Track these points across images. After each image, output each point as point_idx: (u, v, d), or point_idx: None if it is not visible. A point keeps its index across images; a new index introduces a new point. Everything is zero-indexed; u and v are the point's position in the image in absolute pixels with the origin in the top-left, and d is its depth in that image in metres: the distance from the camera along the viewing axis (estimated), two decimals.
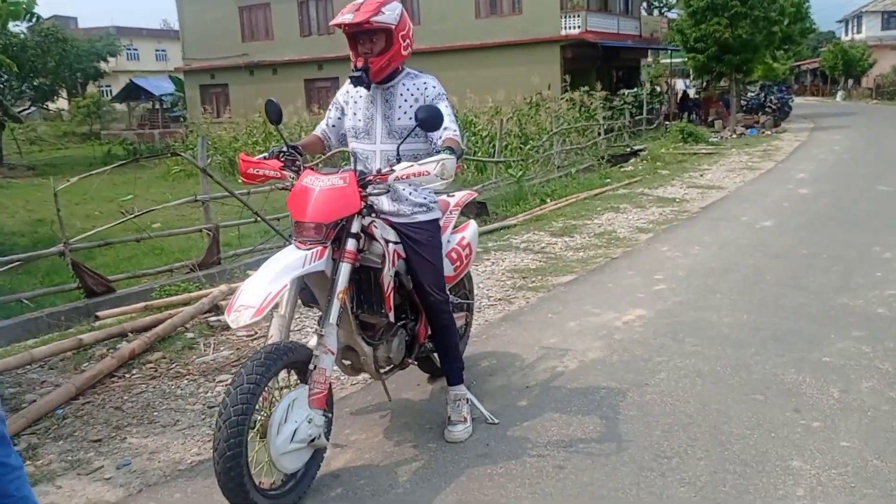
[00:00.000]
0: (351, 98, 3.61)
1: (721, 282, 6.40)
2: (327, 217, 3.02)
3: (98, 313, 5.90)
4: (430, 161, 3.03)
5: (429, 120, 3.16)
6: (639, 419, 3.74)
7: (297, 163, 3.35)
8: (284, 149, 3.38)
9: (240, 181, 3.56)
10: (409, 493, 3.12)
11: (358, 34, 3.38)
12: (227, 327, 5.34)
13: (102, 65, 43.64)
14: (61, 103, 45.59)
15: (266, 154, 3.43)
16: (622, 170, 16.22)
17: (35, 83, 36.29)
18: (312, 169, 3.25)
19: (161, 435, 3.81)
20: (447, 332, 3.63)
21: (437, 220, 3.66)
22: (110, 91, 50.95)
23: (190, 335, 5.30)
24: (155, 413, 4.07)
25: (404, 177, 3.06)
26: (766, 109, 29.44)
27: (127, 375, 4.61)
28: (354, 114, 3.57)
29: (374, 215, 3.36)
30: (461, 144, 3.38)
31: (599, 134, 19.57)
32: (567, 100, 21.52)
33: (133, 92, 43.70)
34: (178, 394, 4.33)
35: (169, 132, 34.31)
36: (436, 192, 3.71)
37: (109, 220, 8.16)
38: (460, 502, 3.05)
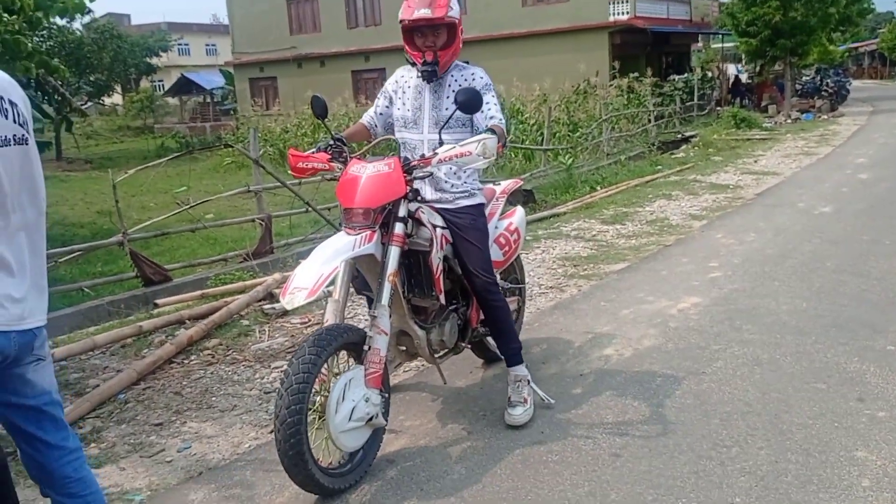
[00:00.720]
0: (400, 88, 3.67)
1: (778, 269, 6.26)
2: (374, 202, 3.10)
3: (157, 301, 6.04)
4: (472, 141, 3.11)
5: (468, 102, 3.21)
6: (696, 407, 3.68)
7: (344, 154, 3.43)
8: (331, 141, 3.46)
9: (289, 171, 3.61)
10: (464, 479, 3.13)
11: (420, 28, 3.41)
12: (281, 315, 5.43)
13: (155, 60, 44.58)
14: (116, 98, 46.74)
15: (314, 148, 3.52)
16: (673, 156, 15.97)
17: (91, 79, 37.23)
18: (359, 158, 3.32)
19: (219, 419, 3.88)
20: (498, 313, 3.65)
21: (480, 205, 3.69)
22: (162, 86, 51.94)
23: (245, 322, 5.38)
24: (213, 398, 4.15)
25: (447, 158, 3.15)
26: (823, 93, 28.67)
27: (185, 361, 4.71)
28: (403, 104, 3.63)
29: (420, 199, 3.41)
30: (505, 133, 3.44)
31: (649, 121, 19.29)
32: (616, 86, 21.24)
33: (184, 86, 44.49)
34: (235, 379, 4.40)
35: (220, 125, 34.84)
36: (482, 181, 3.82)
37: (164, 211, 8.34)
38: (515, 489, 3.05)
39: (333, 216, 8.55)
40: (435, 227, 3.41)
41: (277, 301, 5.68)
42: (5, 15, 4.54)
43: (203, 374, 4.49)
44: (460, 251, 3.54)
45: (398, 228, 3.19)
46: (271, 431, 3.64)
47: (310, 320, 5.33)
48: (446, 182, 3.57)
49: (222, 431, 3.74)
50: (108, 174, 7.77)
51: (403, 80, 3.66)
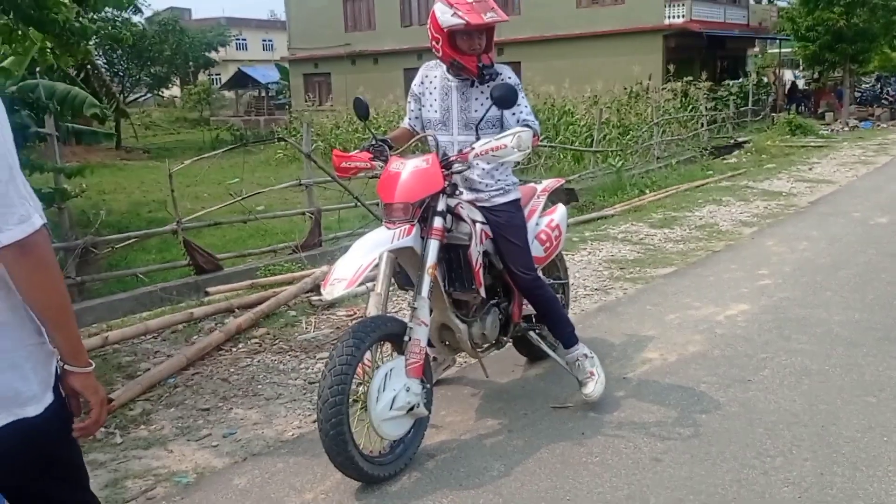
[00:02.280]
0: (426, 89, 3.68)
1: (831, 279, 6.13)
2: (412, 196, 3.17)
3: (208, 289, 6.17)
4: (507, 134, 3.19)
5: (504, 98, 3.24)
6: (741, 415, 3.63)
7: (385, 153, 3.47)
8: (374, 142, 3.51)
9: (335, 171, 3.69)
10: (503, 476, 3.14)
11: (468, 32, 3.40)
12: (327, 307, 5.51)
13: (213, 54, 45.36)
14: (174, 90, 47.73)
15: (358, 149, 3.59)
16: (725, 162, 15.74)
17: (152, 71, 38.09)
18: (398, 156, 3.39)
19: (264, 407, 3.96)
20: (547, 304, 3.72)
21: (516, 201, 3.71)
22: (219, 79, 52.87)
23: (292, 313, 5.47)
24: (259, 386, 4.23)
25: (484, 152, 3.22)
26: (883, 101, 27.96)
27: (233, 349, 4.81)
28: (431, 105, 3.65)
29: (458, 192, 3.46)
30: (538, 129, 3.49)
31: (702, 125, 19.02)
32: (669, 90, 20.98)
33: (241, 80, 45.23)
34: (281, 368, 4.48)
35: (273, 119, 35.36)
36: (522, 181, 3.84)
37: (216, 202, 8.51)
38: (553, 489, 3.05)
39: (381, 211, 8.64)
40: (474, 222, 3.46)
41: None
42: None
43: (250, 363, 4.58)
44: (501, 250, 3.58)
45: (437, 222, 3.24)
46: (314, 420, 3.72)
47: (355, 313, 5.40)
48: (480, 182, 3.61)
49: (267, 419, 3.82)
50: (164, 164, 7.96)
51: (428, 79, 3.67)
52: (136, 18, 28.72)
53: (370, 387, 2.97)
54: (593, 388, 3.71)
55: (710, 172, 13.55)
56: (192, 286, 6.73)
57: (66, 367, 1.61)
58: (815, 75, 31.01)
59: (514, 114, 3.43)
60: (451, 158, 3.32)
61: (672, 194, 11.10)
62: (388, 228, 3.15)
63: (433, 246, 3.20)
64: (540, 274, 3.78)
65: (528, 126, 3.30)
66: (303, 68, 36.34)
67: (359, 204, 8.38)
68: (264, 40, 63.10)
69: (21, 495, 1.61)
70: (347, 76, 32.64)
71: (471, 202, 3.56)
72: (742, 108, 23.61)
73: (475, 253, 3.40)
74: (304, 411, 3.89)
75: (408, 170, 3.21)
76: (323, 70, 35.46)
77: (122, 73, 35.38)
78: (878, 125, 24.32)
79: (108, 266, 7.38)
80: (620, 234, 8.23)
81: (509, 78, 3.52)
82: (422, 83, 3.70)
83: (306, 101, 30.46)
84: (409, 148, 3.62)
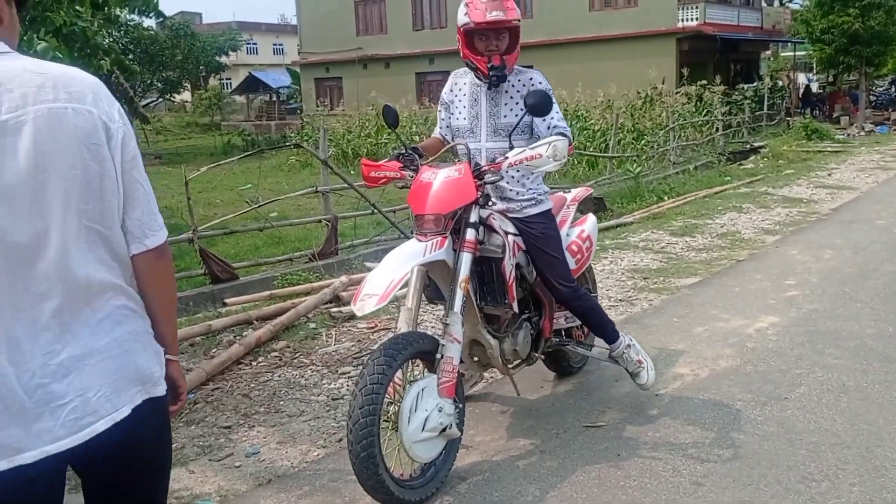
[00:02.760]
0: (455, 97, 3.61)
1: (859, 289, 5.99)
2: (445, 207, 3.07)
3: (226, 300, 6.08)
4: (542, 143, 3.08)
5: (538, 105, 3.15)
6: (780, 436, 3.51)
7: (416, 162, 3.38)
8: (404, 151, 3.42)
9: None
10: (538, 501, 3.03)
11: (484, 32, 3.33)
12: (348, 318, 5.41)
13: (224, 58, 45.44)
14: (185, 95, 47.84)
15: (387, 158, 3.50)
16: (742, 167, 15.57)
17: (163, 76, 38.17)
18: (429, 165, 3.29)
19: (287, 425, 3.86)
20: (591, 312, 3.70)
21: (548, 212, 3.62)
22: (230, 84, 52.97)
23: (312, 325, 5.38)
24: (281, 402, 4.13)
25: (517, 162, 3.12)
26: None
27: (253, 363, 4.72)
28: (460, 112, 3.57)
29: (491, 203, 3.36)
30: (570, 136, 3.39)
31: (717, 130, 18.84)
32: (683, 94, 20.82)
33: (252, 84, 45.27)
34: (303, 384, 4.38)
35: (285, 124, 35.35)
36: (551, 189, 3.80)
37: (229, 208, 8.42)
38: None
39: (398, 218, 8.54)
40: (507, 233, 3.36)
41: (344, 304, 5.68)
42: (80, 9, 4.59)
43: (271, 377, 4.48)
44: (538, 262, 3.49)
45: (469, 234, 3.14)
46: (340, 440, 3.63)
47: (377, 325, 5.30)
48: (511, 190, 3.50)
49: (290, 438, 3.71)
50: (176, 170, 7.89)
51: (458, 87, 3.59)
52: (147, 23, 28.76)
53: (402, 407, 2.86)
54: (646, 377, 3.78)
55: (728, 178, 13.39)
56: (207, 296, 6.64)
57: (167, 356, 1.74)
58: (830, 78, 30.79)
59: (544, 120, 3.32)
60: (484, 168, 3.22)
61: (691, 201, 10.96)
62: (420, 240, 3.05)
63: (466, 259, 3.10)
64: (576, 282, 3.68)
65: (561, 134, 3.20)
66: (314, 72, 36.34)
67: (375, 211, 8.28)
68: (275, 44, 63.21)
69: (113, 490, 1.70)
70: (359, 80, 32.63)
71: (502, 212, 3.46)
72: (757, 113, 23.41)
73: (509, 266, 3.30)
74: (328, 430, 3.78)
75: (439, 180, 3.11)
76: (334, 74, 35.45)
77: (130, 84, 35.50)
78: (895, 129, 24.07)
79: None
80: (641, 243, 8.11)
81: (540, 83, 3.42)
82: (451, 91, 3.62)
83: (317, 106, 30.43)
84: (441, 157, 3.52)
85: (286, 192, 11.91)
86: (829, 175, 13.60)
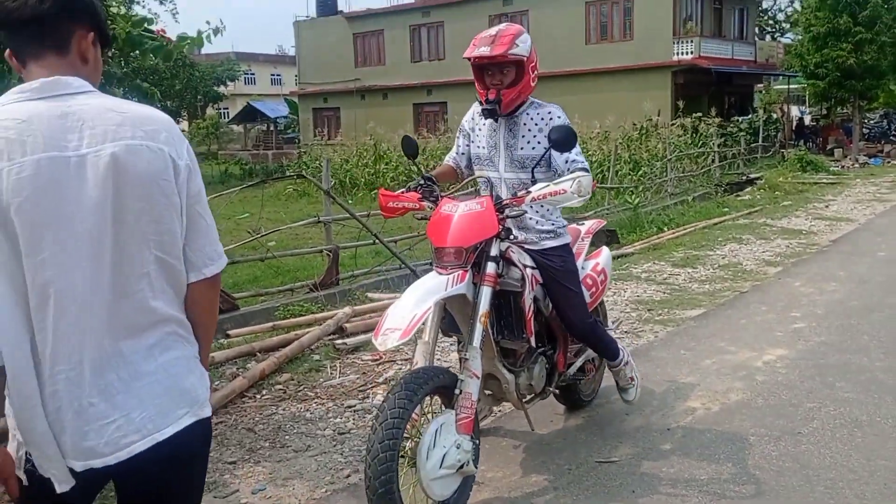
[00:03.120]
0: (476, 125, 3.62)
1: (865, 322, 5.96)
2: (466, 241, 3.04)
3: (229, 331, 6.00)
4: (566, 179, 3.06)
5: (562, 140, 3.16)
6: (797, 472, 3.46)
7: (435, 193, 3.37)
8: (422, 181, 3.41)
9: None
10: None
11: (488, 66, 3.37)
12: (353, 350, 5.35)
13: (222, 88, 45.67)
14: (183, 125, 47.96)
15: (405, 188, 3.48)
16: (739, 199, 15.63)
17: (163, 105, 38.31)
18: (450, 197, 3.26)
19: (293, 460, 3.79)
20: (607, 348, 3.79)
21: (566, 245, 3.60)
22: (228, 113, 53.18)
23: (316, 357, 5.32)
24: (286, 437, 4.06)
25: (541, 197, 3.09)
26: (891, 138, 27.95)
27: (257, 396, 4.65)
28: (479, 141, 3.58)
29: (512, 237, 3.33)
30: (590, 174, 3.35)
31: (713, 161, 18.94)
32: (679, 125, 20.95)
33: (250, 114, 45.46)
34: (308, 417, 4.31)
35: (282, 153, 35.49)
36: (566, 220, 3.75)
37: (227, 237, 8.35)
38: None
39: (399, 249, 8.51)
40: (525, 266, 3.33)
41: (348, 336, 5.62)
42: None
43: (275, 411, 4.41)
44: (555, 296, 3.46)
45: (490, 268, 3.11)
46: (348, 476, 3.57)
47: (381, 357, 5.24)
48: (531, 219, 3.48)
49: (297, 473, 3.64)
50: None
51: (479, 115, 3.59)
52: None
53: (420, 444, 2.80)
54: (634, 393, 3.96)
55: (727, 209, 13.42)
56: None
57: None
58: (824, 111, 31.07)
59: (562, 154, 3.30)
60: (506, 202, 3.20)
61: (690, 232, 10.97)
62: (440, 273, 3.01)
63: (486, 293, 3.06)
64: (593, 318, 3.66)
65: (586, 170, 3.19)
66: (312, 103, 36.54)
67: (377, 241, 8.24)
68: (273, 75, 63.59)
69: None
70: (356, 111, 32.83)
71: (519, 243, 3.43)
72: (752, 144, 23.56)
73: (528, 300, 3.26)
74: (335, 465, 3.71)
75: (461, 212, 3.08)
76: (332, 105, 35.66)
77: (153, 102, 35.67)
78: (889, 161, 24.25)
79: None
80: (644, 274, 8.09)
81: (559, 118, 3.41)
82: (472, 119, 3.63)
83: (315, 136, 30.56)
84: (462, 188, 3.51)
85: (284, 222, 11.90)
86: (827, 206, 13.65)
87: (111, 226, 1.58)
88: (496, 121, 3.46)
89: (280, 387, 4.78)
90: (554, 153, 3.32)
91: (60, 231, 1.54)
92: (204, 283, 1.74)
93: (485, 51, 3.26)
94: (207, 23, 4.68)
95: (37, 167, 1.52)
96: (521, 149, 3.42)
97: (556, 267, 3.45)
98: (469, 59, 3.35)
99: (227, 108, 53.72)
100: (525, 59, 3.33)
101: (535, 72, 3.44)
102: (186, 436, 1.68)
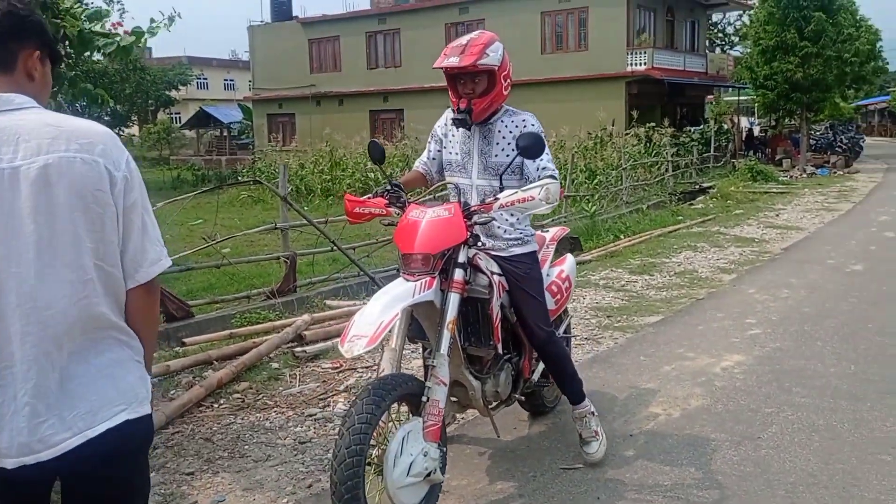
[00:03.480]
0: (449, 132, 3.60)
1: (818, 328, 6.08)
2: (434, 247, 3.01)
3: (184, 340, 5.87)
4: (535, 186, 3.05)
5: (530, 147, 3.15)
6: (757, 476, 3.49)
7: (402, 199, 3.34)
8: (389, 187, 3.38)
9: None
10: None
11: (459, 75, 3.37)
12: (312, 358, 5.27)
13: (173, 93, 44.95)
14: (133, 129, 47.09)
15: (371, 194, 3.45)
16: (692, 207, 15.88)
17: (112, 109, 37.56)
18: (418, 203, 3.23)
19: (253, 471, 3.70)
20: (560, 361, 3.60)
21: (533, 253, 3.60)
22: (179, 118, 52.34)
23: (275, 365, 5.22)
24: (245, 447, 3.97)
25: (509, 204, 3.07)
26: (837, 149, 28.72)
27: (215, 405, 4.54)
28: (452, 147, 3.57)
29: (481, 244, 3.31)
30: (559, 181, 3.38)
31: (667, 170, 19.24)
32: (633, 135, 21.24)
33: (202, 119, 44.80)
34: (267, 426, 4.23)
35: (236, 159, 35.04)
36: (533, 227, 3.73)
37: (180, 244, 8.19)
38: None
39: (357, 256, 8.43)
40: (493, 273, 3.32)
41: (307, 343, 5.54)
42: None
43: (233, 420, 4.31)
44: (518, 303, 3.44)
45: (458, 275, 3.08)
46: (310, 485, 3.50)
47: (342, 365, 5.17)
48: (499, 227, 3.48)
49: (257, 484, 3.56)
50: None
51: (452, 122, 3.57)
52: (97, 56, 28.23)
53: (387, 451, 2.76)
54: (597, 448, 3.64)
55: (681, 218, 13.63)
56: (162, 335, 6.38)
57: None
58: (773, 122, 31.80)
59: (534, 161, 3.29)
60: (474, 208, 3.17)
61: (646, 240, 11.11)
62: (407, 280, 2.97)
63: (454, 300, 3.04)
64: (553, 327, 3.63)
65: (551, 177, 3.18)
66: (266, 108, 36.17)
67: (335, 248, 8.16)
68: (226, 80, 62.82)
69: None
70: (312, 117, 32.61)
71: (486, 251, 3.41)
72: (704, 154, 24.01)
73: (496, 307, 3.24)
74: (296, 475, 3.64)
75: (428, 218, 3.04)
76: (287, 110, 35.35)
77: (81, 112, 34.87)
78: (835, 172, 24.92)
79: None
80: (602, 281, 8.15)
81: (532, 125, 3.42)
82: (445, 125, 3.61)
83: (270, 142, 30.22)
84: (429, 193, 3.47)
85: (239, 228, 11.71)
86: (777, 216, 13.95)
87: (48, 235, 1.65)
88: (469, 129, 3.45)
89: (238, 396, 4.68)
90: (526, 161, 3.31)
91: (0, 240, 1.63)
92: (139, 290, 1.79)
93: (454, 61, 3.25)
94: (161, 13, 4.55)
95: None
96: (496, 156, 3.42)
97: (522, 274, 3.44)
98: (436, 67, 3.33)
99: (178, 113, 52.88)
100: (496, 68, 3.32)
101: (509, 80, 3.44)
102: (122, 432, 1.73)
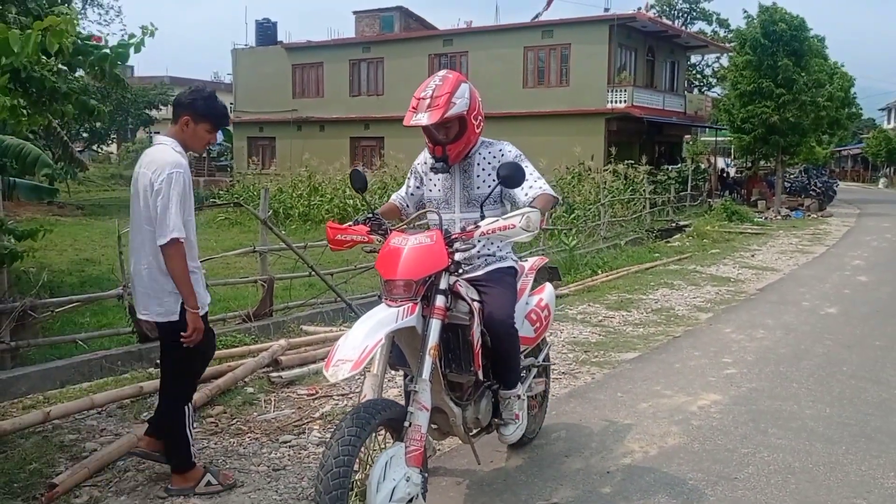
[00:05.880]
0: (430, 170, 3.65)
1: (794, 370, 6.12)
2: (416, 274, 3.03)
3: (157, 360, 5.76)
4: (515, 214, 3.07)
5: (511, 177, 3.18)
6: None
7: (384, 226, 3.39)
8: (370, 214, 3.44)
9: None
10: None
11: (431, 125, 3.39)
12: (287, 384, 5.21)
13: (154, 112, 44.69)
14: (111, 147, 46.70)
15: (352, 221, 3.52)
16: (669, 244, 16.03)
17: (91, 126, 37.26)
18: (400, 231, 3.27)
19: (226, 497, 3.63)
20: (512, 352, 3.55)
21: (511, 267, 3.66)
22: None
23: (250, 390, 5.15)
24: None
25: (490, 231, 3.10)
26: (811, 192, 29.21)
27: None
28: (434, 184, 3.64)
29: (460, 272, 3.32)
30: (555, 196, 3.46)
31: (644, 207, 19.43)
32: (611, 171, 21.45)
33: None
34: (242, 452, 4.15)
35: (214, 180, 34.81)
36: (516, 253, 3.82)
37: None
38: None
39: (335, 282, 8.38)
40: (473, 300, 3.34)
41: (283, 368, 5.47)
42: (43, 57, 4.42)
43: (206, 445, 4.24)
44: (486, 297, 3.44)
45: (440, 301, 3.09)
46: None
47: (317, 392, 5.11)
48: (478, 257, 3.54)
49: None
50: (99, 221, 7.58)
51: (432, 160, 3.61)
52: (79, 72, 28.07)
53: (370, 476, 2.74)
54: (513, 431, 3.66)
55: (658, 255, 13.73)
56: (135, 355, 6.29)
57: (185, 306, 3.51)
58: (749, 164, 32.29)
59: (521, 188, 3.33)
60: (455, 236, 3.20)
61: (623, 275, 11.17)
62: (390, 306, 2.97)
63: (435, 326, 3.04)
64: (516, 325, 3.60)
65: (547, 193, 3.25)
66: (247, 131, 36.10)
67: (313, 273, 8.11)
68: None
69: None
70: (293, 141, 32.58)
71: (464, 270, 3.42)
72: (681, 193, 24.29)
73: (476, 333, 3.24)
74: (270, 502, 3.57)
75: (410, 245, 3.06)
76: (268, 134, 35.32)
77: (61, 128, 34.50)
78: (809, 215, 25.32)
79: (51, 332, 6.89)
80: (579, 315, 8.16)
81: (510, 152, 3.50)
82: (426, 162, 3.65)
83: (249, 165, 30.11)
84: (411, 223, 3.49)
85: (215, 250, 11.64)
86: (753, 256, 14.10)
87: (140, 208, 3.52)
88: (445, 172, 3.52)
89: (212, 420, 4.60)
90: (515, 190, 3.34)
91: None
92: (162, 247, 3.42)
93: (422, 118, 3.29)
94: (141, 28, 4.56)
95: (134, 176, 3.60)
96: (478, 188, 3.48)
97: (495, 277, 3.52)
98: (406, 125, 3.34)
99: (158, 132, 52.31)
100: (465, 112, 3.38)
101: (480, 118, 3.51)
102: (169, 326, 3.56)
